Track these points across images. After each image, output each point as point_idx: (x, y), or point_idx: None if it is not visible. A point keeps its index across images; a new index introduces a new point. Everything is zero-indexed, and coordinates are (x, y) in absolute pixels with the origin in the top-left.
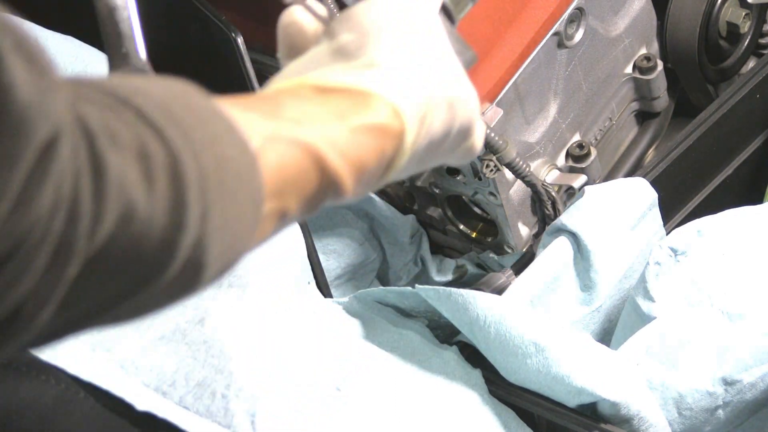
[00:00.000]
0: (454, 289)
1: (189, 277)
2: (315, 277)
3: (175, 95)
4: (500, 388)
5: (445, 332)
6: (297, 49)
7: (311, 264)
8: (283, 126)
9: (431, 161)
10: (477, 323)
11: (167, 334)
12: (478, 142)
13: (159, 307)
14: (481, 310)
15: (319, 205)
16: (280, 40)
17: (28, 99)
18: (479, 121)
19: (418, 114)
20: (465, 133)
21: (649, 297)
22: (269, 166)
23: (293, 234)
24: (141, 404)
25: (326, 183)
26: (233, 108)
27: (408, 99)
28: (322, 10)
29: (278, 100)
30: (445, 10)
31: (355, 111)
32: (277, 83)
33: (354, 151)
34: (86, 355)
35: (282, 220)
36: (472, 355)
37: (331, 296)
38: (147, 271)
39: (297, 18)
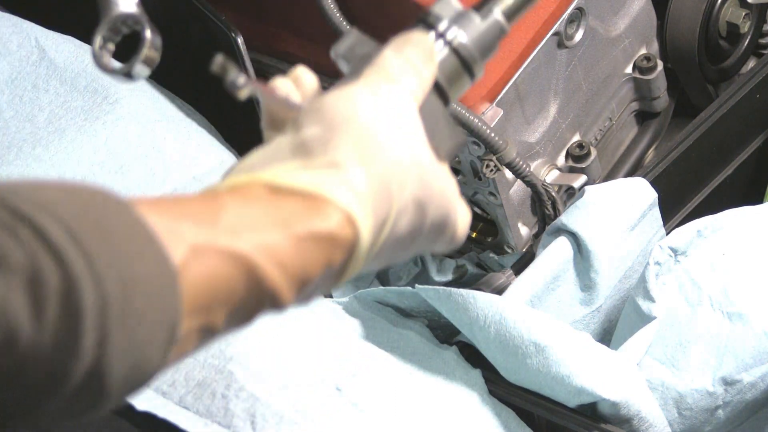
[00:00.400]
0: (454, 289)
1: (90, 400)
2: None
3: (88, 209)
4: (500, 388)
5: (445, 332)
6: (277, 123)
7: None
8: (218, 235)
9: (403, 256)
10: (477, 323)
11: None
12: (459, 231)
13: (66, 422)
14: (481, 310)
15: (255, 317)
16: (262, 108)
17: None
18: (460, 208)
19: (376, 221)
20: (440, 228)
21: (649, 297)
22: (195, 280)
23: None
24: (141, 404)
25: (262, 295)
26: (163, 215)
27: (365, 206)
28: (312, 83)
29: (220, 202)
30: (439, 90)
31: (304, 217)
32: (232, 177)
33: (297, 262)
34: None
35: (208, 335)
36: (472, 355)
37: (331, 296)
38: (33, 396)
39: (280, 90)
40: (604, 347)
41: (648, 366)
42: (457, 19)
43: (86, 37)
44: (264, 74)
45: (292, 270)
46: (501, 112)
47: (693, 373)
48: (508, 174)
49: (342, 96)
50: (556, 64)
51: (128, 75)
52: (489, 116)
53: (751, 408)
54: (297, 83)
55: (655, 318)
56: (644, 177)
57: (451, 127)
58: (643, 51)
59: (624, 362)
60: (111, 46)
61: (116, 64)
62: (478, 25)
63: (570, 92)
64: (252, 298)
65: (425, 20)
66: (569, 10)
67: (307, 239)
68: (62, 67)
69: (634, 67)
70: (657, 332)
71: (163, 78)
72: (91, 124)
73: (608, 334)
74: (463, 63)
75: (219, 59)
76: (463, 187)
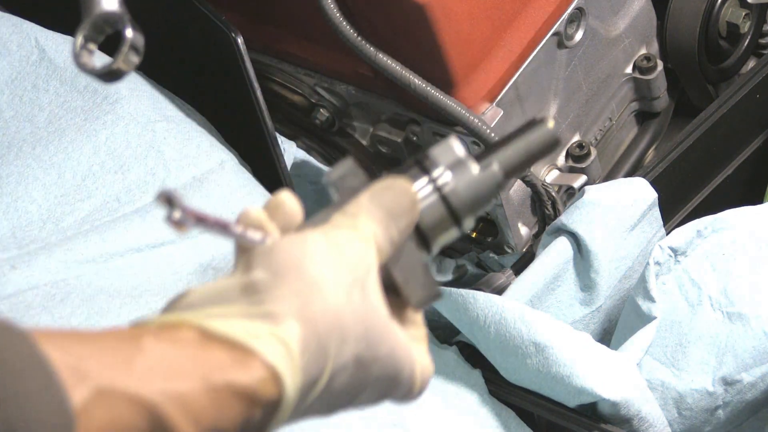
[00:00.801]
0: (454, 289)
1: None
2: None
3: None
4: (500, 388)
5: (445, 332)
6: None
7: None
8: (128, 379)
9: (345, 408)
10: (477, 323)
11: None
12: (417, 387)
13: None
14: (481, 310)
15: None
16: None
17: None
18: (419, 365)
19: (306, 379)
20: (388, 385)
21: (649, 297)
22: (95, 426)
23: None
24: None
25: None
26: (71, 351)
27: (294, 363)
28: (294, 213)
29: (141, 343)
30: (421, 238)
31: (226, 369)
32: (167, 313)
33: (210, 414)
34: None
35: None
36: (472, 355)
37: None
38: None
39: (241, 224)
40: (604, 347)
41: (648, 366)
42: (454, 166)
43: None
44: (264, 74)
45: (204, 422)
46: (501, 112)
47: (693, 373)
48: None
49: (295, 240)
50: (556, 64)
51: (108, 75)
52: (489, 116)
53: (751, 408)
54: (274, 212)
55: (655, 318)
56: (644, 177)
57: (428, 278)
58: (643, 51)
59: (624, 362)
60: (92, 46)
61: (96, 64)
62: (475, 176)
63: (570, 92)
64: None
65: (421, 163)
66: (569, 10)
67: (224, 392)
68: (62, 67)
69: (634, 67)
70: (657, 332)
71: (163, 78)
72: (91, 124)
73: (608, 334)
74: (450, 213)
75: (163, 192)
76: None
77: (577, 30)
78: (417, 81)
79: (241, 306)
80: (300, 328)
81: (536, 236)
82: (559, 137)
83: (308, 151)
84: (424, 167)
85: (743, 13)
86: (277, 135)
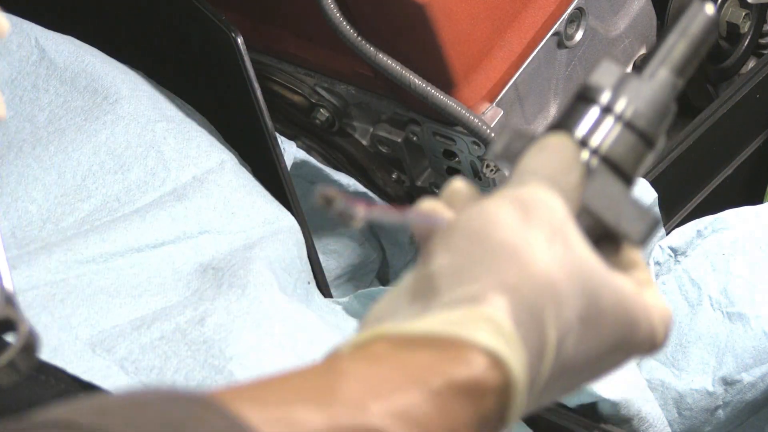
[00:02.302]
0: None
1: None
2: (315, 277)
3: (165, 423)
4: None
5: None
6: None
7: (311, 264)
8: (342, 414)
9: (591, 378)
10: None
11: (167, 334)
12: (659, 339)
13: None
14: None
15: None
16: (414, 232)
17: None
18: (656, 312)
19: (531, 354)
20: (626, 342)
21: None
22: None
23: (293, 234)
24: None
25: None
26: (269, 406)
27: (512, 340)
28: (468, 195)
29: (340, 370)
30: (616, 171)
31: (440, 369)
32: (359, 333)
33: (440, 424)
34: (87, 356)
35: None
36: None
37: (331, 296)
38: None
39: (420, 211)
40: None
41: (648, 366)
42: (622, 87)
43: (86, 37)
44: (264, 74)
45: None
46: (501, 112)
47: (693, 373)
48: (508, 174)
49: (474, 213)
50: (556, 64)
51: None
52: (489, 116)
53: (752, 408)
54: (452, 200)
55: None
56: (644, 177)
57: (639, 208)
58: (643, 51)
59: None
60: None
61: None
62: (647, 89)
63: (570, 92)
64: None
65: (584, 95)
66: (569, 10)
67: (448, 395)
68: (62, 67)
69: (634, 67)
70: None
71: (163, 78)
72: (91, 124)
73: None
74: (641, 137)
75: (321, 191)
76: None
77: (577, 30)
78: (417, 81)
79: (431, 299)
80: (504, 300)
81: None
82: (716, 16)
83: (308, 151)
84: (589, 98)
85: (743, 13)
86: (277, 135)
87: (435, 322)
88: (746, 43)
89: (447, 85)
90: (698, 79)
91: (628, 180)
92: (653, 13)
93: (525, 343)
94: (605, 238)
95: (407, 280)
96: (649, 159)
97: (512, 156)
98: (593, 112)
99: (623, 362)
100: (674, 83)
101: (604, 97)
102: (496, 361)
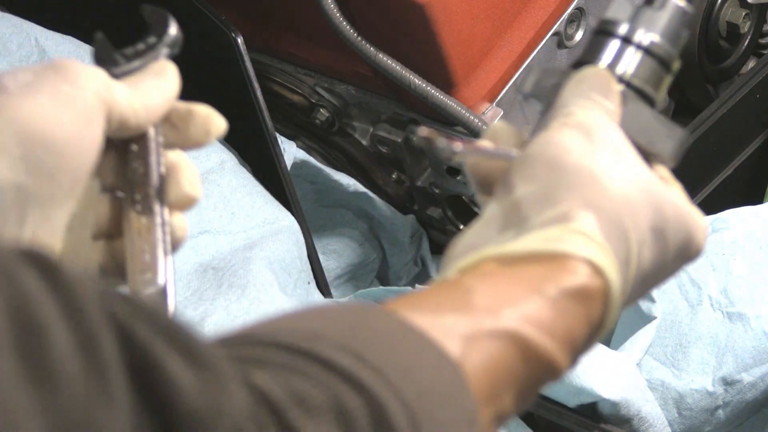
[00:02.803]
0: None
1: None
2: (315, 277)
3: (354, 326)
4: None
5: None
6: (488, 186)
7: (311, 264)
8: (480, 319)
9: (651, 289)
10: None
11: None
12: (701, 245)
13: None
14: None
15: (537, 393)
16: (468, 173)
17: (196, 404)
18: (699, 219)
19: (620, 263)
20: (685, 249)
21: (649, 297)
22: (477, 371)
23: (293, 234)
24: None
25: (541, 369)
26: (422, 313)
27: (606, 251)
28: (510, 135)
29: (465, 286)
30: (642, 95)
31: (551, 278)
32: (455, 262)
33: (561, 326)
34: None
35: (501, 420)
36: None
37: (331, 296)
38: None
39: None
40: (604, 347)
41: (648, 366)
42: (636, 18)
43: (86, 37)
44: (264, 74)
45: (560, 335)
46: (501, 112)
47: (693, 374)
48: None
49: (543, 144)
50: (557, 64)
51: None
52: (489, 116)
53: (751, 408)
54: (496, 140)
55: (655, 318)
56: None
57: (667, 126)
58: None
59: (624, 362)
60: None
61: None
62: (660, 17)
63: None
64: (532, 373)
65: (604, 30)
66: (569, 10)
67: (563, 300)
68: None
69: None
70: (657, 332)
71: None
72: None
73: (608, 335)
74: (660, 61)
75: (421, 131)
76: (464, 187)
77: (577, 30)
78: (417, 81)
79: (523, 223)
80: (594, 217)
81: None
82: None
83: (308, 151)
84: (608, 32)
85: (743, 13)
86: (277, 135)
87: (535, 240)
88: (746, 43)
89: (447, 85)
90: (698, 79)
91: (651, 103)
92: None
93: (616, 253)
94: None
95: (489, 212)
96: (668, 81)
97: (544, 92)
98: (614, 44)
99: (679, 269)
100: (684, 9)
101: (622, 29)
102: (597, 268)
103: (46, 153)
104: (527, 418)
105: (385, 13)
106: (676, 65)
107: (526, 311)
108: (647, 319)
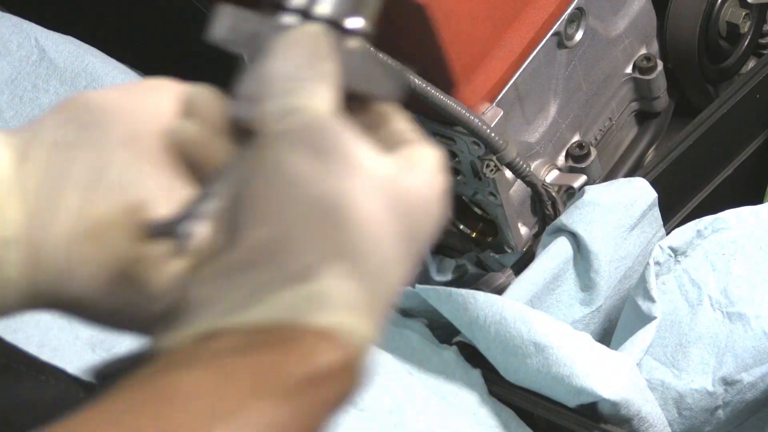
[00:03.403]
0: (454, 289)
1: None
2: None
3: None
4: (500, 388)
5: (445, 332)
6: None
7: None
8: None
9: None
10: (477, 323)
11: None
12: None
13: None
14: (481, 310)
15: None
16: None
17: None
18: (438, 198)
19: (371, 300)
20: (432, 225)
21: (649, 297)
22: None
23: None
24: None
25: None
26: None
27: (350, 310)
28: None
29: (174, 387)
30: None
31: (287, 366)
32: (187, 329)
33: (302, 422)
34: (87, 355)
35: None
36: (472, 355)
37: None
38: None
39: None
40: (604, 347)
41: (648, 366)
42: None
43: (86, 37)
44: None
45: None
46: (501, 112)
47: (693, 373)
48: (508, 174)
49: (270, 173)
50: (556, 64)
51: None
52: (489, 116)
53: (751, 408)
54: (194, 110)
55: (655, 318)
56: (644, 177)
57: (382, 64)
58: (643, 51)
59: (624, 362)
60: None
61: None
62: None
63: (570, 92)
64: None
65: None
66: (569, 10)
67: (298, 392)
68: (62, 67)
69: (634, 67)
70: (657, 332)
71: (163, 77)
72: None
73: (608, 335)
74: None
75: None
76: (463, 187)
77: (577, 30)
78: (417, 81)
79: (259, 276)
80: (337, 264)
81: (536, 236)
82: None
83: None
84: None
85: (743, 13)
86: None
87: (269, 308)
88: (746, 43)
89: (447, 85)
90: (698, 79)
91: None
92: (653, 13)
93: (367, 295)
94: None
95: (217, 264)
96: (375, 6)
97: (242, 40)
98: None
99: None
100: None
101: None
102: (344, 340)
103: None
104: (527, 418)
105: (385, 12)
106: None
107: (249, 424)
108: (647, 319)
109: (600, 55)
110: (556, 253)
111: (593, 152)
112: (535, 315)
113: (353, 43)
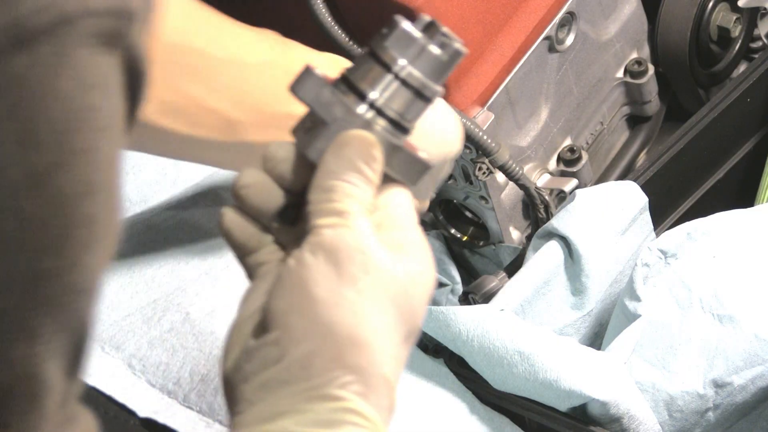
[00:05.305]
0: (434, 308)
1: None
2: None
3: None
4: (490, 395)
5: (432, 342)
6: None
7: None
8: None
9: None
10: (460, 338)
11: (176, 326)
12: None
13: None
14: (463, 324)
15: None
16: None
17: None
18: (431, 280)
19: (385, 408)
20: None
21: (635, 297)
22: None
23: None
24: (143, 410)
25: None
26: None
27: (374, 425)
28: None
29: None
30: (392, 122)
31: None
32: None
33: None
34: (95, 354)
35: None
36: (462, 364)
37: None
38: None
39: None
40: (589, 349)
41: (638, 368)
42: (407, 49)
43: None
44: None
45: None
46: (492, 116)
47: (683, 376)
48: (500, 177)
49: (296, 290)
50: (547, 69)
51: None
52: (480, 120)
53: (741, 410)
54: (272, 163)
55: (640, 316)
56: (635, 181)
57: (415, 158)
58: (634, 55)
59: (611, 362)
60: None
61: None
62: (432, 54)
63: (561, 96)
64: None
65: (375, 53)
66: (560, 15)
67: None
68: None
69: (625, 71)
70: (647, 334)
71: None
72: None
73: (599, 338)
74: (417, 93)
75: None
76: (454, 190)
77: (568, 34)
78: None
79: (295, 385)
80: (357, 383)
81: (528, 239)
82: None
83: None
84: (380, 60)
85: (734, 18)
86: None
87: (306, 419)
88: (737, 47)
89: None
90: (689, 83)
91: (403, 129)
92: (644, 17)
93: (382, 415)
94: None
95: (270, 354)
96: (424, 107)
97: (320, 111)
98: (378, 72)
99: None
100: (459, 51)
101: (391, 60)
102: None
103: None
104: (518, 421)
105: (376, 16)
106: (436, 96)
107: None
108: (633, 318)
109: (591, 60)
110: (546, 258)
111: (584, 156)
112: (517, 323)
113: (400, 140)
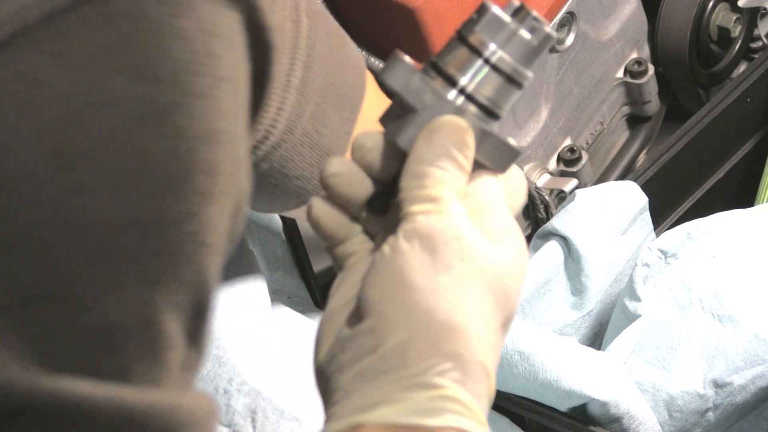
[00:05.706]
0: None
1: None
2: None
3: None
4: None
5: None
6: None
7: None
8: None
9: None
10: None
11: None
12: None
13: None
14: None
15: None
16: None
17: None
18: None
19: (487, 405)
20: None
21: (635, 297)
22: None
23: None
24: None
25: None
26: None
27: (473, 413)
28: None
29: None
30: (483, 108)
31: None
32: (343, 423)
33: None
34: None
35: None
36: None
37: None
38: None
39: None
40: (589, 349)
41: (638, 368)
42: (497, 33)
43: None
44: None
45: None
46: None
47: (683, 376)
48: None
49: (391, 280)
50: (547, 69)
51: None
52: None
53: (741, 410)
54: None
55: (640, 316)
56: (635, 181)
57: (506, 144)
58: (634, 55)
59: (611, 362)
60: None
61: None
62: (520, 36)
63: (561, 96)
64: None
65: (463, 38)
66: (560, 15)
67: None
68: None
69: (625, 71)
70: (647, 334)
71: None
72: None
73: (599, 339)
74: (508, 79)
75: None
76: None
77: (568, 34)
78: None
79: (394, 375)
80: (456, 370)
81: (528, 239)
82: None
83: None
84: (469, 44)
85: (734, 17)
86: None
87: (404, 409)
88: (737, 47)
89: None
90: (689, 83)
91: (494, 115)
92: (644, 17)
93: (481, 402)
94: None
95: (356, 351)
96: (516, 94)
97: (410, 98)
98: (468, 56)
99: None
100: (548, 34)
101: (480, 44)
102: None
103: None
104: (518, 421)
105: (376, 16)
106: (527, 82)
107: None
108: (633, 317)
109: (591, 60)
110: (546, 257)
111: (584, 156)
112: (517, 324)
113: (492, 127)
